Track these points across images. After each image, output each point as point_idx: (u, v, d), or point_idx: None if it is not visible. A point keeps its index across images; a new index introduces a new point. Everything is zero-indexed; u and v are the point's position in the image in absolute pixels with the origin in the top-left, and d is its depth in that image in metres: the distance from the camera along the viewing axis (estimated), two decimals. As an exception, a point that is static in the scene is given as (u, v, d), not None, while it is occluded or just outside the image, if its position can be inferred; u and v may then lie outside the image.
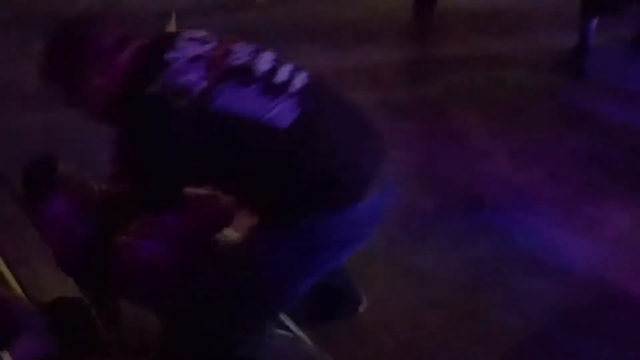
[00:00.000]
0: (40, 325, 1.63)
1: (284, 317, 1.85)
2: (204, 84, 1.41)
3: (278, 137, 1.43)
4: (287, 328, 1.85)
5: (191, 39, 1.51)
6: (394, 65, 3.58)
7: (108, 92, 1.48)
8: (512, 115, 3.15)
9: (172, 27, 2.58)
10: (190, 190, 1.61)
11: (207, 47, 1.49)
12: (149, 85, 1.41)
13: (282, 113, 1.43)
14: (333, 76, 2.30)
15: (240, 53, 1.49)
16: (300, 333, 1.85)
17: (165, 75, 1.42)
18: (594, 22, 3.32)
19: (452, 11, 4.00)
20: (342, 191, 1.47)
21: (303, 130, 1.45)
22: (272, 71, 1.48)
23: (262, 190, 1.51)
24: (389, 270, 2.28)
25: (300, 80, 1.50)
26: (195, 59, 1.44)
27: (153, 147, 1.44)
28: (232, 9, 4.08)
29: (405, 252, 2.35)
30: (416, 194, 2.58)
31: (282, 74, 1.49)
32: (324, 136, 1.48)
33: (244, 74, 1.46)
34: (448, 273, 2.29)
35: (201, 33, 1.55)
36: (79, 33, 1.51)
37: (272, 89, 1.45)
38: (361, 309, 2.01)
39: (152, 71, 1.43)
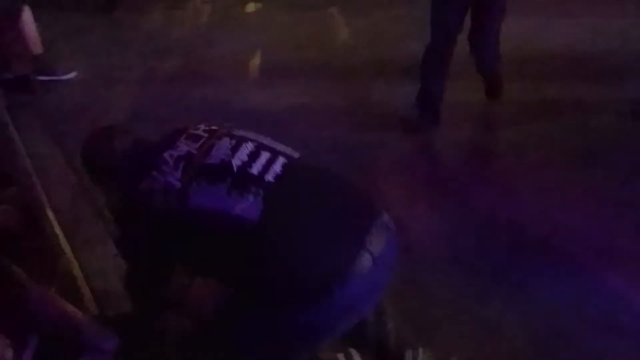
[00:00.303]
0: (109, 347, 1.68)
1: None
2: (178, 185, 1.54)
3: (246, 229, 1.48)
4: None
5: (189, 137, 1.63)
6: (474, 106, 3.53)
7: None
8: (593, 163, 3.03)
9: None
10: None
11: (195, 145, 1.61)
12: (143, 180, 1.58)
13: (251, 208, 1.48)
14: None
15: (220, 150, 1.58)
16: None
17: (156, 174, 1.57)
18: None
19: (545, 53, 3.93)
20: (310, 283, 1.44)
21: (271, 223, 1.48)
22: (248, 163, 1.55)
23: (240, 279, 1.55)
24: (455, 318, 2.22)
25: (275, 169, 1.55)
26: (180, 159, 1.58)
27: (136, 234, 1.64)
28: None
29: (474, 300, 2.28)
30: (488, 242, 2.52)
31: (258, 165, 1.55)
32: (292, 228, 1.48)
33: (216, 173, 1.54)
34: (517, 325, 2.20)
35: (203, 127, 1.67)
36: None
37: (243, 183, 1.51)
38: None
39: (147, 168, 1.59)
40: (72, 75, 3.72)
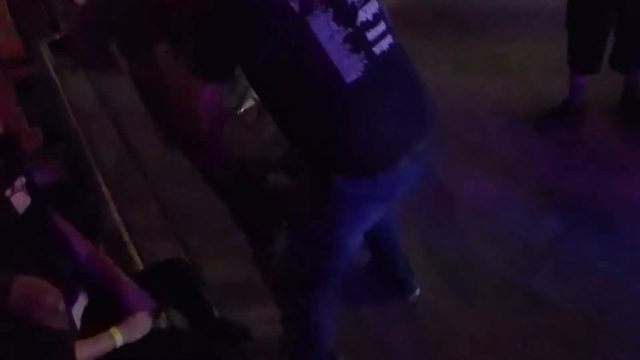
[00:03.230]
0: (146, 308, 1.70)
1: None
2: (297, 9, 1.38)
3: (339, 87, 1.44)
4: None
5: None
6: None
7: None
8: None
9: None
10: None
11: None
12: None
13: (352, 67, 1.44)
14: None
15: None
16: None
17: None
18: None
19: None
20: (368, 160, 1.51)
21: (359, 91, 1.46)
22: (367, 25, 1.48)
23: (301, 130, 1.55)
24: (502, 290, 2.18)
25: (383, 45, 1.50)
26: None
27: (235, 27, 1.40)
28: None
29: (521, 273, 2.23)
30: (541, 212, 2.45)
31: (374, 33, 1.49)
32: (373, 103, 1.49)
33: (346, 13, 1.44)
34: (566, 300, 2.15)
35: None
36: None
37: (357, 40, 1.45)
38: (412, 298, 2.17)
39: None
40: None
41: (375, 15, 1.49)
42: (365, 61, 1.46)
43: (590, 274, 2.22)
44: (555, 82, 2.97)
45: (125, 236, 2.33)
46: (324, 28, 1.40)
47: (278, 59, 1.43)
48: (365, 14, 1.47)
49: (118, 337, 1.58)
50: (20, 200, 1.58)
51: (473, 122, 2.97)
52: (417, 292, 2.19)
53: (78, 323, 1.61)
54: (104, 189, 2.56)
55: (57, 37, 3.66)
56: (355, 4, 1.46)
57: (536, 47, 3.32)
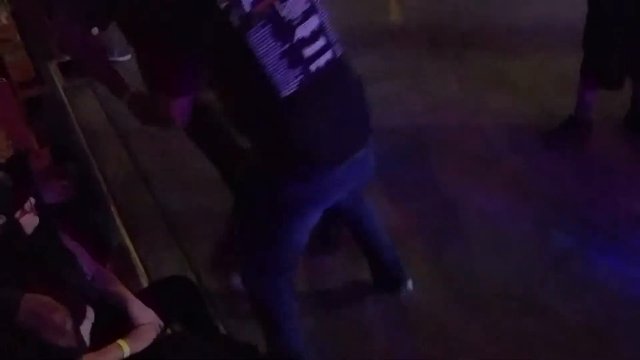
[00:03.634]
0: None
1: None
2: (248, 9, 1.43)
3: (273, 100, 1.50)
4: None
5: None
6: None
7: None
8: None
9: None
10: None
11: None
12: None
13: (286, 83, 1.50)
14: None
15: (294, 6, 1.51)
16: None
17: None
18: None
19: None
20: (305, 166, 1.60)
21: (293, 105, 1.52)
22: (305, 42, 1.53)
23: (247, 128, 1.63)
24: (509, 303, 2.18)
25: (320, 61, 1.55)
26: None
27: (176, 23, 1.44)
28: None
29: (530, 285, 2.23)
30: (549, 226, 2.44)
31: (311, 49, 1.54)
32: (310, 115, 1.56)
33: (284, 29, 1.49)
34: (574, 313, 2.14)
35: None
36: None
37: (294, 56, 1.50)
38: (403, 290, 2.22)
39: None
40: (127, 57, 3.77)
41: (313, 32, 1.54)
42: (301, 77, 1.51)
43: (598, 289, 2.21)
44: (560, 97, 2.98)
45: (132, 253, 2.34)
46: (262, 43, 1.46)
47: (218, 69, 1.52)
48: (303, 31, 1.52)
49: (126, 348, 1.61)
50: (29, 221, 1.60)
51: (479, 136, 2.98)
52: (410, 284, 2.23)
53: (87, 341, 1.63)
54: (112, 207, 2.59)
55: (66, 58, 3.71)
56: (293, 21, 1.51)
57: (540, 62, 3.35)
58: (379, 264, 2.21)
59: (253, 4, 1.44)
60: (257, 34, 1.45)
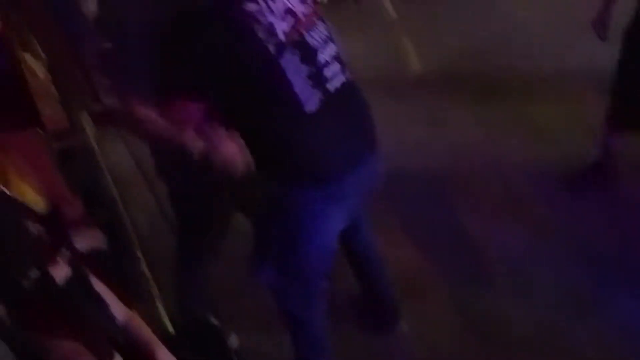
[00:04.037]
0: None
1: None
2: (283, 38, 1.66)
3: (299, 115, 1.73)
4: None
5: None
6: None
7: None
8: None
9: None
10: None
11: (301, 8, 1.73)
12: (248, 3, 1.64)
13: (311, 100, 1.73)
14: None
15: (317, 35, 1.75)
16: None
17: (264, 4, 1.66)
18: None
19: None
20: (319, 173, 1.80)
21: (313, 121, 1.75)
22: (325, 65, 1.77)
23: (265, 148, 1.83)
24: (540, 348, 2.16)
25: (337, 82, 1.80)
26: (288, 12, 1.69)
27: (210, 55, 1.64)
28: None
29: (561, 332, 2.22)
30: (573, 271, 2.44)
31: (330, 71, 1.78)
32: (325, 131, 1.78)
33: (309, 55, 1.72)
34: (587, 343, 2.13)
35: None
36: None
37: (317, 77, 1.75)
38: (399, 327, 2.29)
39: None
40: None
41: (331, 57, 1.79)
42: (321, 96, 1.75)
43: (629, 334, 2.18)
44: (582, 142, 3.00)
45: (158, 299, 2.38)
46: (291, 65, 1.69)
47: (249, 89, 1.70)
48: (323, 56, 1.76)
49: None
50: (62, 273, 1.64)
51: (501, 181, 2.99)
52: (405, 327, 2.31)
53: (115, 387, 1.65)
54: (140, 255, 2.63)
55: (99, 108, 3.82)
56: (317, 47, 1.75)
57: (561, 107, 3.37)
58: (373, 295, 2.26)
59: (286, 34, 1.66)
60: (288, 57, 1.68)
